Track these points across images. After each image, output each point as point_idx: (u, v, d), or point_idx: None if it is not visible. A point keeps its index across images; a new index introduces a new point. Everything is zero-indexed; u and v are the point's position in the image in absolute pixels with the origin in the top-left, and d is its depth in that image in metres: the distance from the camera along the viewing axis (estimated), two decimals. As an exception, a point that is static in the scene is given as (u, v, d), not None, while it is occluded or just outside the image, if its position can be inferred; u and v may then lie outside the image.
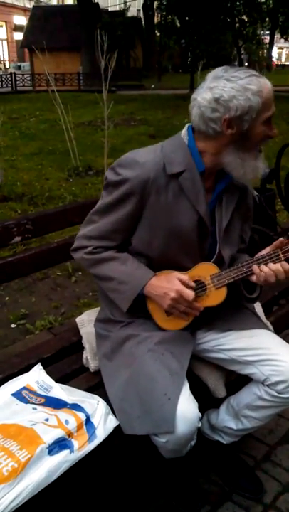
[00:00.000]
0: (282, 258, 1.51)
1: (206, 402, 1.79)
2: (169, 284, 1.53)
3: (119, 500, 1.86)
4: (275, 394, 1.59)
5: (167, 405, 1.41)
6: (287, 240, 1.51)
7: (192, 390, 1.51)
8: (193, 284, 1.55)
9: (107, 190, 1.59)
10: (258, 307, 2.00)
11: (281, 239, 1.51)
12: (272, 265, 1.51)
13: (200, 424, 1.48)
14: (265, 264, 1.52)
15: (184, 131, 1.58)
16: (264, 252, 1.54)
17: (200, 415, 1.48)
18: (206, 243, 1.61)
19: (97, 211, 1.62)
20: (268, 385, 1.60)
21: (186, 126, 1.58)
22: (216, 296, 1.59)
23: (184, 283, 1.52)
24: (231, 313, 1.73)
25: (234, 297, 1.68)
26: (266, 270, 1.51)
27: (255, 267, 1.53)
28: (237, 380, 1.77)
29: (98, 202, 1.63)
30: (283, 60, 61.92)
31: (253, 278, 1.55)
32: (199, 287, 1.59)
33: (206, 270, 1.59)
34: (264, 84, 1.45)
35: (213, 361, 1.75)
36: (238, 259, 1.69)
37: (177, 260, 1.59)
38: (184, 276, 1.54)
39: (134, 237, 1.60)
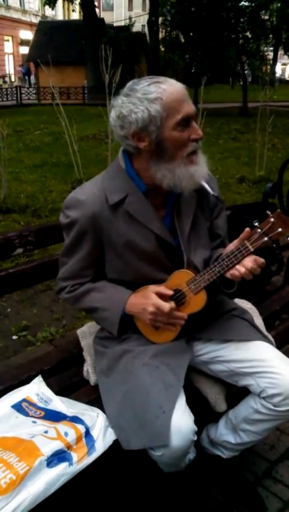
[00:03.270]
0: (252, 249, 1.44)
1: (207, 416, 1.78)
2: (146, 300, 1.55)
3: (118, 514, 1.84)
4: (271, 407, 1.58)
5: (162, 418, 1.41)
6: (253, 229, 1.44)
7: (192, 403, 1.51)
8: (169, 292, 1.55)
9: (64, 233, 1.64)
10: (258, 320, 1.99)
11: (247, 229, 1.45)
12: (246, 264, 1.46)
13: (195, 438, 1.47)
14: (236, 259, 1.46)
15: (119, 155, 1.59)
16: (232, 246, 1.50)
17: (195, 428, 1.47)
18: (174, 254, 1.62)
19: (63, 253, 1.68)
20: (264, 398, 1.59)
21: (121, 149, 1.58)
22: (196, 302, 1.58)
23: (160, 294, 1.53)
24: (229, 324, 1.73)
25: (221, 303, 1.71)
26: (242, 271, 1.46)
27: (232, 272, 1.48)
28: (237, 394, 1.76)
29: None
30: (287, 75, 62.32)
31: (228, 275, 1.50)
32: (178, 296, 1.59)
33: (180, 278, 1.58)
34: (166, 88, 1.43)
35: (211, 373, 1.74)
36: (213, 256, 1.67)
37: (152, 277, 1.60)
38: (159, 288, 1.56)
39: (107, 269, 1.65)
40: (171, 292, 1.56)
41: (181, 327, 1.61)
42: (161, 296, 1.54)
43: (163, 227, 1.59)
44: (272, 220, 1.40)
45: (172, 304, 1.53)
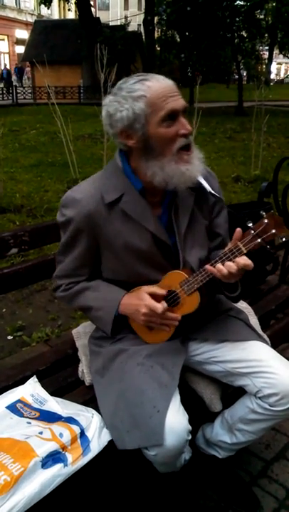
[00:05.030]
0: (244, 250, 1.41)
1: (202, 415, 1.78)
2: (139, 300, 1.54)
3: (114, 515, 1.84)
4: (267, 407, 1.58)
5: (156, 418, 1.41)
6: (247, 231, 1.41)
7: (187, 403, 1.51)
8: (163, 292, 1.55)
9: (61, 231, 1.65)
10: (254, 319, 1.99)
11: (238, 229, 1.42)
12: (228, 263, 1.43)
13: (190, 437, 1.47)
14: (229, 261, 1.43)
15: (116, 154, 1.59)
16: (226, 248, 1.46)
17: (190, 428, 1.46)
18: (170, 254, 1.61)
19: (60, 252, 1.69)
20: (260, 398, 1.59)
21: (118, 150, 1.59)
22: (190, 303, 1.57)
23: (153, 295, 1.53)
24: (225, 324, 1.72)
25: (217, 303, 1.69)
26: (221, 268, 1.44)
27: (209, 267, 1.46)
28: (232, 394, 1.76)
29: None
30: (282, 75, 62.44)
31: (219, 276, 1.47)
32: (172, 296, 1.59)
33: (174, 279, 1.58)
34: (151, 85, 1.43)
35: (207, 373, 1.74)
36: (213, 257, 1.64)
37: (148, 277, 1.60)
38: (153, 288, 1.55)
39: (102, 267, 1.65)
40: (164, 292, 1.56)
41: (175, 328, 1.60)
42: (155, 296, 1.54)
43: (159, 225, 1.59)
44: (265, 221, 1.38)
45: (165, 305, 1.52)
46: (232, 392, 1.76)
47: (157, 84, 1.44)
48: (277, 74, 57.06)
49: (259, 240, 1.39)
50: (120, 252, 1.57)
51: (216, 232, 1.73)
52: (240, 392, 1.69)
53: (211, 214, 1.71)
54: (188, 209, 1.62)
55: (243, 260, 1.42)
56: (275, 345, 1.84)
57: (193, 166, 1.50)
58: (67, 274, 1.67)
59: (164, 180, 1.48)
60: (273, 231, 1.37)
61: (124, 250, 1.57)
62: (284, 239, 1.40)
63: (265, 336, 1.91)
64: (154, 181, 1.50)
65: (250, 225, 1.40)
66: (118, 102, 1.46)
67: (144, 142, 1.47)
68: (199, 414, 1.72)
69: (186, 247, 1.62)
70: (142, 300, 1.53)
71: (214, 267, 1.46)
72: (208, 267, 1.48)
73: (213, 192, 1.65)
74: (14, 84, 27.71)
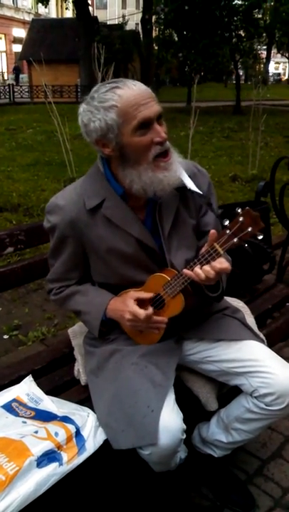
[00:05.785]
0: (222, 252, 1.38)
1: (198, 414, 1.78)
2: (124, 306, 1.54)
3: (110, 514, 1.84)
4: (263, 406, 1.58)
5: (150, 417, 1.41)
6: (222, 230, 1.37)
7: (183, 402, 1.51)
8: (148, 296, 1.54)
9: (50, 236, 1.65)
10: (250, 319, 1.99)
11: (212, 231, 1.39)
12: (205, 267, 1.41)
13: (184, 436, 1.47)
14: (207, 263, 1.41)
15: (98, 160, 1.58)
16: (203, 249, 1.44)
17: (184, 427, 1.46)
18: (157, 256, 1.60)
19: (50, 256, 1.70)
20: (256, 397, 1.59)
21: (99, 155, 1.57)
22: (174, 305, 1.56)
23: (138, 299, 1.52)
24: (220, 323, 1.72)
25: (211, 303, 1.68)
26: (199, 272, 1.42)
27: (186, 272, 1.44)
28: (228, 393, 1.76)
29: None
30: (281, 74, 62.43)
31: (197, 280, 1.44)
32: (157, 299, 1.58)
33: (157, 282, 1.57)
34: (122, 94, 1.40)
35: (203, 373, 1.74)
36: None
37: (137, 279, 1.60)
38: (138, 293, 1.54)
39: (92, 271, 1.66)
40: (149, 295, 1.54)
41: (167, 328, 1.59)
42: (141, 300, 1.53)
43: (143, 229, 1.57)
44: (240, 219, 1.33)
45: (149, 311, 1.50)
46: (228, 392, 1.77)
47: (129, 92, 1.40)
48: (278, 74, 57.00)
49: (235, 240, 1.34)
50: (106, 257, 1.57)
51: (205, 231, 1.68)
52: (236, 391, 1.69)
53: (198, 213, 1.68)
54: (172, 210, 1.59)
55: (219, 264, 1.40)
56: (271, 345, 1.84)
57: (171, 172, 1.47)
58: (57, 278, 1.69)
59: (142, 187, 1.46)
60: (249, 229, 1.33)
61: (109, 254, 1.56)
62: (260, 237, 1.35)
63: (261, 335, 1.91)
64: (132, 189, 1.48)
65: (226, 223, 1.36)
66: (91, 112, 1.44)
67: (120, 151, 1.45)
68: (195, 413, 1.72)
69: (171, 249, 1.60)
70: (127, 306, 1.52)
71: (192, 270, 1.43)
72: (185, 271, 1.45)
73: (196, 190, 1.60)
74: (11, 83, 27.65)
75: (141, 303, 1.52)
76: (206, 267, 1.41)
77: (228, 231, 1.35)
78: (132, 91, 1.41)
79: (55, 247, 1.63)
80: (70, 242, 1.59)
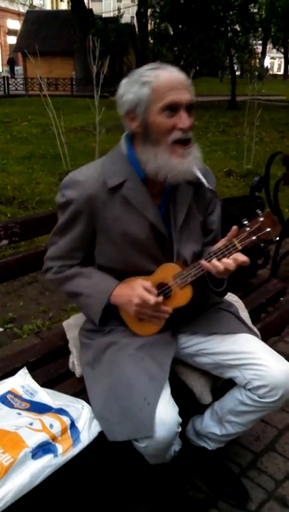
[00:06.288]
0: (239, 247, 1.45)
1: (192, 407, 1.79)
2: (132, 291, 1.54)
3: (105, 505, 1.84)
4: (256, 398, 1.59)
5: (146, 410, 1.41)
6: (242, 228, 1.45)
7: (177, 395, 1.51)
8: (154, 291, 1.55)
9: (59, 212, 1.64)
10: (244, 313, 2.00)
11: (234, 227, 1.45)
12: (224, 260, 1.46)
13: (180, 429, 1.48)
14: (223, 257, 1.47)
15: (122, 140, 1.60)
16: (220, 244, 1.50)
17: (180, 420, 1.47)
18: (166, 245, 1.62)
19: (55, 233, 1.67)
20: (249, 390, 1.60)
21: (124, 135, 1.60)
22: (181, 296, 1.58)
23: (146, 289, 1.53)
24: (214, 317, 1.73)
25: (207, 296, 1.69)
26: (217, 264, 1.46)
27: (204, 263, 1.49)
28: (222, 387, 1.77)
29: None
30: (275, 70, 62.45)
31: (214, 272, 1.50)
32: (164, 289, 1.59)
33: (168, 271, 1.58)
34: (160, 74, 1.45)
35: (197, 366, 1.75)
36: (205, 252, 1.65)
37: (142, 267, 1.61)
38: (146, 283, 1.55)
39: (96, 253, 1.65)
40: (155, 291, 1.55)
41: (166, 321, 1.61)
42: (148, 289, 1.54)
43: (158, 215, 1.59)
44: (261, 219, 1.41)
45: (159, 298, 1.53)
46: (222, 385, 1.78)
47: (166, 74, 1.46)
48: (271, 68, 56.94)
49: (254, 238, 1.42)
50: (116, 238, 1.57)
51: (209, 229, 1.74)
52: (230, 384, 1.70)
53: (206, 211, 1.72)
54: (186, 203, 1.63)
55: (241, 257, 1.45)
56: (265, 339, 1.85)
57: (185, 161, 1.49)
58: (60, 256, 1.66)
59: (155, 169, 1.49)
60: (268, 229, 1.41)
61: (121, 237, 1.57)
62: (277, 238, 1.46)
63: (255, 329, 1.92)
64: (146, 169, 1.51)
65: (245, 222, 1.43)
66: (129, 84, 1.49)
67: (144, 128, 1.48)
68: (189, 407, 1.72)
69: (181, 240, 1.62)
70: (135, 291, 1.53)
71: (209, 262, 1.47)
72: (203, 262, 1.49)
73: (211, 188, 1.67)
74: (6, 75, 27.45)
75: (147, 291, 1.53)
76: (227, 260, 1.46)
77: (247, 229, 1.43)
78: (169, 74, 1.47)
79: (65, 224, 1.62)
80: (83, 219, 1.58)
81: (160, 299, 1.54)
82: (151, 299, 1.51)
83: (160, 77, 1.45)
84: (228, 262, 1.45)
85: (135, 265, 1.60)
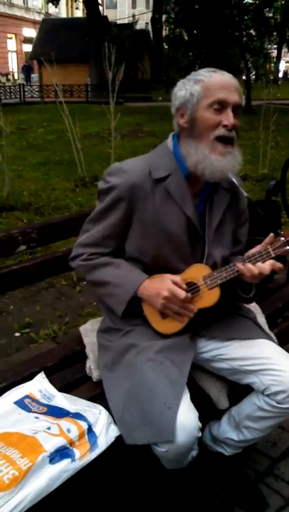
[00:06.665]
0: (273, 255, 1.50)
1: (209, 413, 1.78)
2: (161, 284, 1.56)
3: (121, 511, 1.84)
4: (275, 404, 1.58)
5: (167, 414, 1.41)
6: (277, 237, 1.50)
7: (194, 400, 1.51)
8: (184, 286, 1.57)
9: (99, 199, 1.67)
10: (261, 318, 1.99)
11: (271, 234, 1.50)
12: (259, 264, 1.52)
13: (200, 434, 1.48)
14: (257, 262, 1.52)
15: (169, 139, 1.66)
16: (255, 250, 1.55)
17: (200, 425, 1.47)
18: (197, 245, 1.64)
19: (91, 220, 1.69)
20: (267, 395, 1.60)
21: (171, 134, 1.66)
22: (209, 297, 1.59)
23: (176, 283, 1.55)
24: (233, 322, 1.73)
25: (232, 302, 1.70)
26: (252, 268, 1.51)
27: (240, 266, 1.53)
28: (239, 391, 1.76)
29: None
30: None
31: (245, 277, 1.55)
32: (192, 289, 1.60)
33: (198, 271, 1.60)
34: (213, 75, 1.54)
35: (214, 371, 1.75)
36: (232, 261, 1.67)
37: (170, 264, 1.62)
38: (177, 278, 1.57)
39: (127, 244, 1.66)
40: (185, 287, 1.57)
41: (189, 321, 1.61)
42: (177, 284, 1.56)
43: (195, 212, 1.62)
44: None
45: (188, 294, 1.55)
46: (239, 390, 1.77)
47: (219, 76, 1.54)
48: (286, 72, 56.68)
49: (287, 247, 1.47)
50: (151, 230, 1.59)
51: (238, 239, 1.77)
52: (247, 389, 1.70)
53: (238, 220, 1.75)
54: (222, 207, 1.67)
55: (278, 264, 1.51)
56: (282, 344, 1.84)
57: (224, 160, 1.53)
58: (93, 243, 1.67)
59: (195, 162, 1.54)
60: None
61: (156, 229, 1.59)
62: None
63: (272, 335, 1.91)
64: (187, 163, 1.56)
65: (281, 232, 1.49)
66: (183, 83, 1.58)
67: (191, 123, 1.55)
68: (206, 412, 1.72)
69: (213, 242, 1.65)
70: (165, 284, 1.55)
71: (244, 265, 1.52)
72: (238, 265, 1.53)
73: (245, 193, 1.72)
74: (22, 82, 27.74)
75: (177, 285, 1.55)
76: (262, 264, 1.51)
77: (282, 238, 1.48)
78: (222, 76, 1.55)
79: (103, 210, 1.64)
80: (122, 207, 1.60)
81: (189, 295, 1.55)
82: (182, 293, 1.53)
83: (213, 76, 1.53)
84: (263, 267, 1.50)
85: (165, 261, 1.62)
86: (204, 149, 1.52)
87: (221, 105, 1.51)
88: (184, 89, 1.56)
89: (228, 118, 1.51)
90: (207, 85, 1.52)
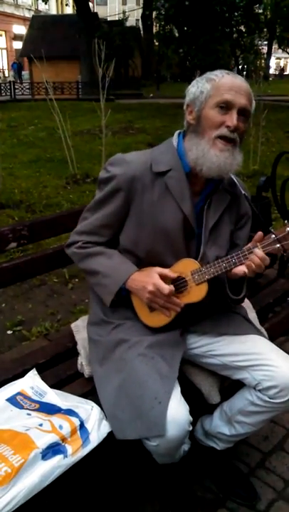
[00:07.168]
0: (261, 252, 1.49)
1: (200, 408, 1.79)
2: (148, 278, 1.56)
3: (114, 506, 1.85)
4: (267, 399, 1.60)
5: (157, 408, 1.42)
6: (267, 235, 1.49)
7: (185, 395, 1.52)
8: (173, 275, 1.57)
9: (99, 188, 1.68)
10: (252, 314, 2.01)
11: (260, 233, 1.49)
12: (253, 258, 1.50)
13: (191, 428, 1.49)
14: (244, 258, 1.51)
15: (174, 136, 1.67)
16: (244, 247, 1.53)
17: (191, 419, 1.48)
18: (192, 243, 1.64)
19: (89, 208, 1.71)
20: (259, 390, 1.61)
21: (177, 132, 1.68)
22: (196, 293, 1.59)
23: (163, 276, 1.56)
24: (224, 318, 1.74)
25: (224, 301, 1.70)
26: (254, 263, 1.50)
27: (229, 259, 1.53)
28: (231, 386, 1.77)
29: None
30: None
31: (233, 271, 1.54)
32: (180, 282, 1.60)
33: (187, 266, 1.60)
34: (226, 76, 1.55)
35: (205, 366, 1.76)
36: None
37: (164, 260, 1.62)
38: (164, 270, 1.58)
39: (122, 235, 1.66)
40: (174, 275, 1.58)
41: (176, 315, 1.62)
42: (164, 277, 1.56)
43: (192, 210, 1.62)
44: (288, 229, 1.45)
45: (172, 288, 1.55)
46: (230, 385, 1.78)
47: (230, 78, 1.55)
48: (276, 69, 56.78)
49: (278, 246, 1.46)
50: (147, 223, 1.60)
51: (236, 243, 1.77)
52: (239, 384, 1.71)
53: (237, 223, 1.76)
54: (220, 207, 1.67)
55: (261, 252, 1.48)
56: (272, 339, 1.86)
57: (222, 156, 1.54)
58: (89, 231, 1.69)
59: (195, 158, 1.56)
60: None
61: (152, 223, 1.60)
62: None
63: (263, 330, 1.93)
64: (188, 157, 1.58)
65: (271, 229, 1.49)
66: (197, 80, 1.60)
67: (197, 119, 1.57)
68: (198, 406, 1.73)
69: (208, 241, 1.65)
70: (151, 278, 1.55)
71: (231, 263, 1.52)
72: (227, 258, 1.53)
73: (246, 194, 1.73)
74: (12, 80, 27.57)
75: (163, 280, 1.55)
76: (251, 256, 1.49)
77: (273, 236, 1.46)
78: (234, 79, 1.56)
79: (102, 199, 1.65)
80: (121, 197, 1.61)
81: (173, 289, 1.55)
82: (166, 288, 1.53)
83: (225, 77, 1.55)
84: (252, 257, 1.49)
85: (158, 256, 1.62)
86: (205, 145, 1.54)
87: (226, 106, 1.52)
88: (196, 86, 1.58)
89: (232, 119, 1.52)
90: (217, 85, 1.54)
